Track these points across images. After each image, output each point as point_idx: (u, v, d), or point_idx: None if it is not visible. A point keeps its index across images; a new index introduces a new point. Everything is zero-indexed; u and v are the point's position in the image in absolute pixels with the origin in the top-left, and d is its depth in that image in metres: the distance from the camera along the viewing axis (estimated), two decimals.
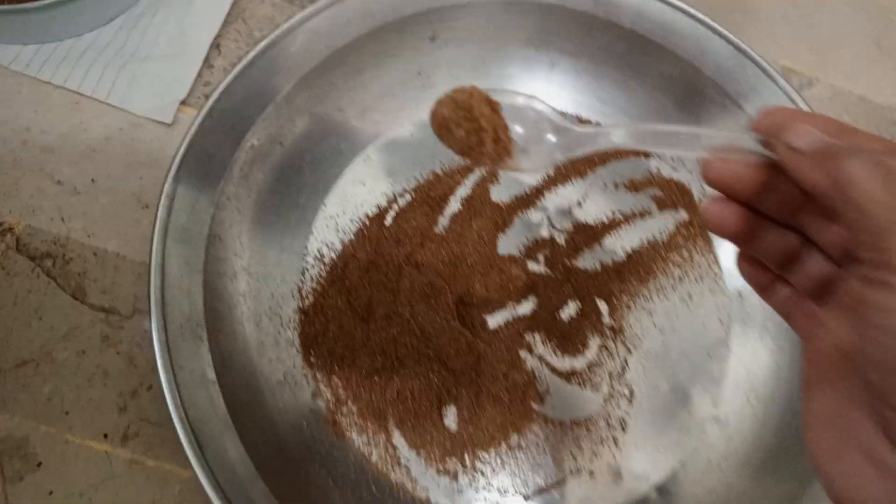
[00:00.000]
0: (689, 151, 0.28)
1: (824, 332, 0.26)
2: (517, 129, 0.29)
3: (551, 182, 0.52)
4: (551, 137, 0.29)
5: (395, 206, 0.49)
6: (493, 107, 0.29)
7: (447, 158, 0.50)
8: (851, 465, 0.23)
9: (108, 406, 0.43)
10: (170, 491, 0.42)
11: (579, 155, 0.30)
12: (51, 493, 0.41)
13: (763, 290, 0.30)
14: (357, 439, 0.44)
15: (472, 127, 0.28)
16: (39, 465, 0.41)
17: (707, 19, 0.48)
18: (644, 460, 0.46)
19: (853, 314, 0.22)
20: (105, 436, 0.42)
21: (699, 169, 0.27)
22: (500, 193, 0.51)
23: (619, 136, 0.28)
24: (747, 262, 0.30)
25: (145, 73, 0.50)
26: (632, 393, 0.47)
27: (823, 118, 0.25)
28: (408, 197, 0.49)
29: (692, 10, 0.48)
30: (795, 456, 0.44)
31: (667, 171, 0.52)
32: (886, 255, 0.21)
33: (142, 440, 0.42)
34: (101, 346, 0.44)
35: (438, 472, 0.44)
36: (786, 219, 0.28)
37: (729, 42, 0.48)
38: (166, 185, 0.41)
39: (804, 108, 0.47)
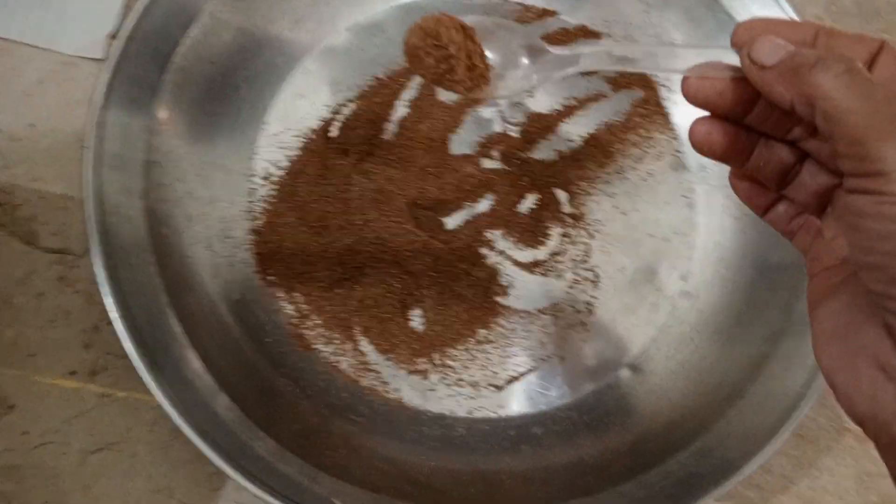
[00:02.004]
0: (666, 70, 0.26)
1: (824, 243, 0.26)
2: (489, 55, 0.28)
3: None
4: (526, 61, 0.28)
5: (340, 117, 0.48)
6: (468, 33, 0.28)
7: (388, 62, 0.49)
8: (862, 374, 0.22)
9: (73, 344, 0.43)
10: (142, 419, 0.42)
11: (556, 78, 0.28)
12: (26, 433, 0.42)
13: (761, 210, 0.29)
14: (324, 349, 0.44)
15: (441, 54, 0.28)
16: (11, 407, 0.42)
17: None
18: (614, 340, 0.45)
19: (847, 223, 0.22)
20: (73, 373, 0.43)
21: (680, 87, 0.26)
22: (448, 93, 0.49)
23: (595, 59, 0.28)
24: (741, 180, 0.29)
25: (70, 10, 0.49)
26: (597, 277, 0.46)
27: (799, 24, 0.24)
28: (352, 106, 0.48)
29: None
30: (765, 317, 0.43)
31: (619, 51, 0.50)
32: (867, 163, 0.20)
33: (110, 373, 0.43)
34: (59, 286, 0.44)
35: (409, 372, 0.44)
36: (777, 133, 0.26)
37: None
38: (95, 114, 0.40)
39: None
